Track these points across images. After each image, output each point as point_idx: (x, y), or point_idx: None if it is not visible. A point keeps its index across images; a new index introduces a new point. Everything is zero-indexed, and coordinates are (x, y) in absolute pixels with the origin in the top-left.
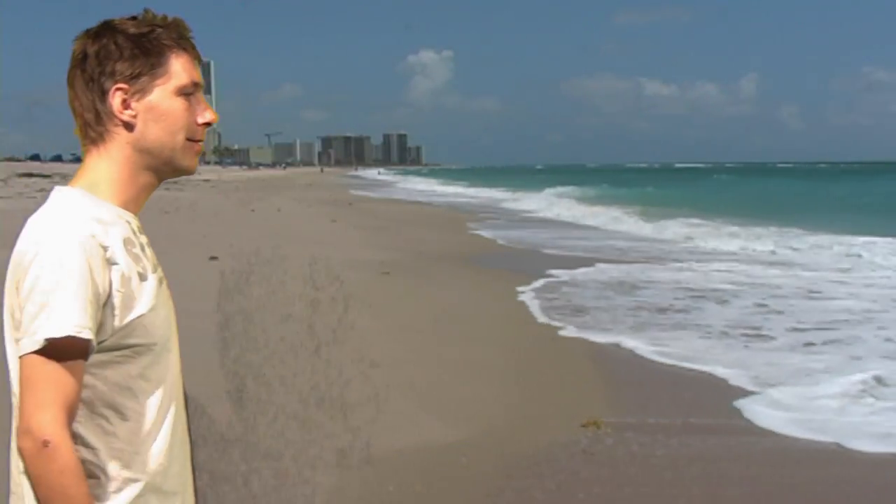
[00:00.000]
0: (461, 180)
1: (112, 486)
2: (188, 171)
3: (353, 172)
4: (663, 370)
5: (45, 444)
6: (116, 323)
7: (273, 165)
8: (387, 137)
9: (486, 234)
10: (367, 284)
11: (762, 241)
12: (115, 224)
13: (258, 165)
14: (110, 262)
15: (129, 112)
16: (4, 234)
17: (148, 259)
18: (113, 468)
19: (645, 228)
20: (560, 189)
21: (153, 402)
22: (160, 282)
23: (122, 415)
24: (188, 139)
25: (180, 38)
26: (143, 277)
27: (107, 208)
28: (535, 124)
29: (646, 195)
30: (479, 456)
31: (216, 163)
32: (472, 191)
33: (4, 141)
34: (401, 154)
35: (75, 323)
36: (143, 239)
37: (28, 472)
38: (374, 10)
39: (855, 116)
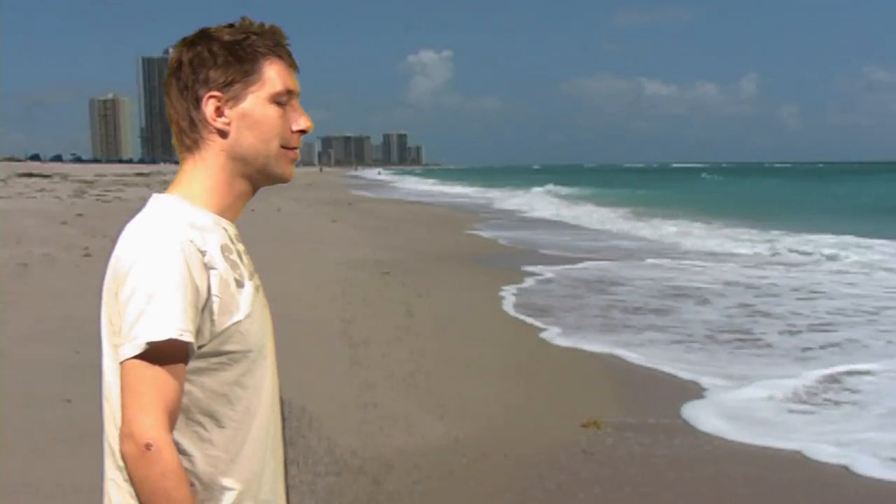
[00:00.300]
0: (461, 180)
1: (208, 495)
2: (283, 179)
3: (352, 172)
4: (664, 369)
5: (148, 447)
6: (214, 328)
7: None
8: (387, 137)
9: (485, 234)
10: (366, 284)
11: (743, 242)
12: (211, 230)
13: None
14: (208, 267)
15: (222, 119)
16: (5, 234)
17: (245, 266)
18: (209, 476)
19: (625, 226)
20: (550, 188)
21: (249, 410)
22: (257, 289)
23: (218, 422)
24: (282, 146)
25: (275, 46)
26: (239, 284)
27: (203, 215)
28: (536, 124)
29: (635, 196)
30: (479, 456)
31: None
32: (465, 190)
33: (4, 141)
34: (401, 154)
35: (176, 326)
36: (240, 247)
37: (130, 476)
38: (374, 10)
39: (855, 116)
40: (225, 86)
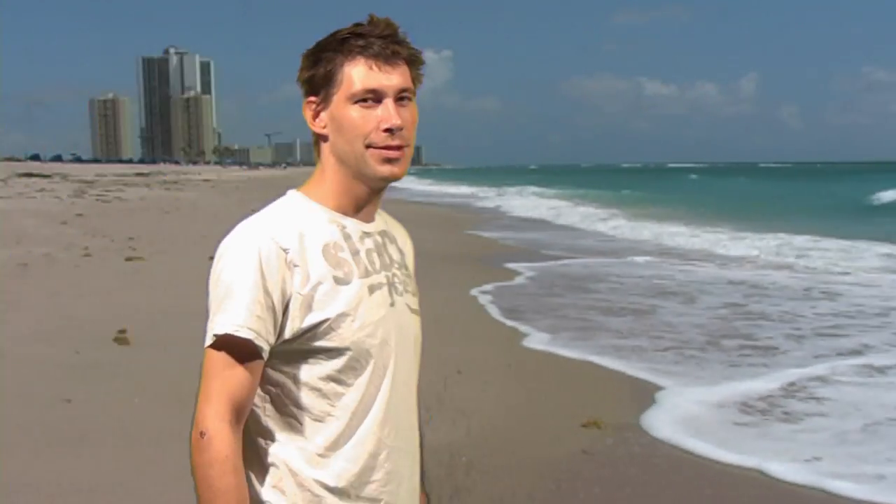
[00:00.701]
0: (457, 180)
1: (294, 483)
2: (380, 178)
3: None
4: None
5: (202, 434)
6: (298, 324)
7: (273, 165)
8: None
9: (485, 234)
10: None
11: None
12: (319, 227)
13: (258, 165)
14: (291, 265)
15: (319, 123)
16: (5, 234)
17: (360, 265)
18: (298, 465)
19: (593, 225)
20: (533, 189)
21: (346, 407)
22: (371, 289)
23: (311, 414)
24: (367, 146)
25: (365, 44)
26: (341, 281)
27: (317, 212)
28: (535, 124)
29: (620, 196)
30: (480, 456)
31: (216, 163)
32: (453, 189)
33: (4, 141)
34: None
35: (236, 322)
36: (367, 244)
37: (190, 459)
38: (374, 10)
39: (855, 116)
40: (315, 90)
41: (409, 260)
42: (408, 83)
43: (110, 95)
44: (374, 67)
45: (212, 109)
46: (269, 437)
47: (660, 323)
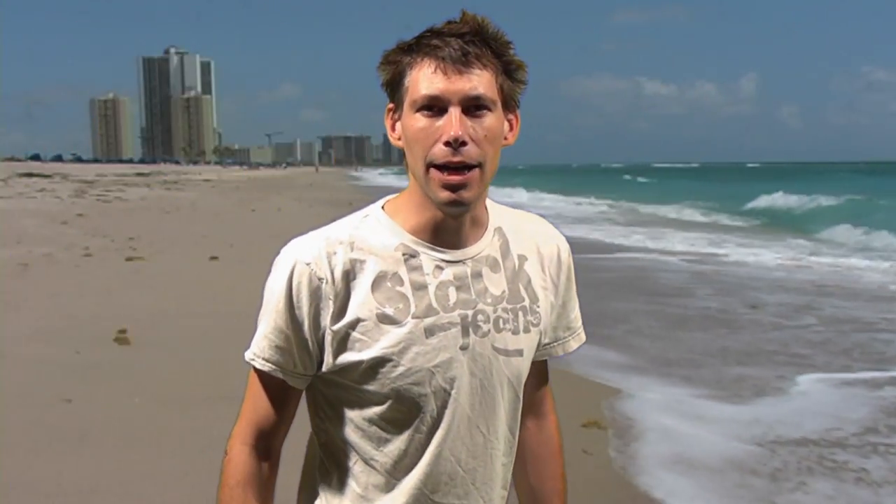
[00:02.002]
0: None
1: None
2: (442, 204)
3: (353, 173)
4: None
5: (226, 453)
6: (332, 360)
7: (273, 165)
8: (387, 137)
9: None
10: None
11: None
12: (381, 253)
13: (258, 165)
14: (325, 297)
15: (395, 134)
16: (5, 234)
17: (421, 301)
18: (339, 501)
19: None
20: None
21: (391, 454)
22: (430, 331)
23: (357, 454)
24: (430, 165)
25: (438, 45)
26: (387, 320)
27: (387, 234)
28: (535, 124)
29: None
30: None
31: (216, 162)
32: None
33: (4, 141)
34: (401, 154)
35: (254, 350)
36: (443, 276)
37: None
38: (375, 10)
39: (854, 116)
40: (391, 96)
41: (539, 280)
42: (484, 90)
43: (110, 95)
44: (440, 70)
45: (212, 109)
46: (323, 465)
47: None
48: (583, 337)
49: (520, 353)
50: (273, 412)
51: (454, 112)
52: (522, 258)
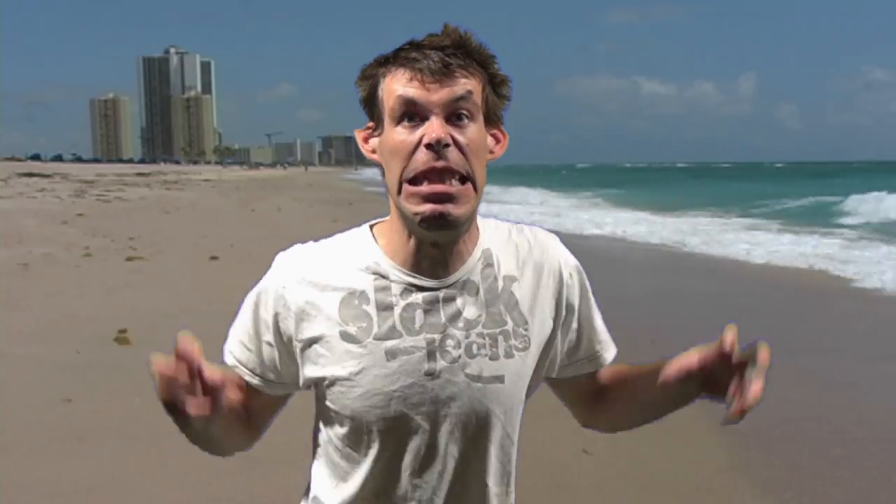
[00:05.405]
0: None
1: None
2: (418, 221)
3: (353, 173)
4: None
5: None
6: (305, 372)
7: (273, 165)
8: None
9: None
10: None
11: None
12: (351, 271)
13: (258, 165)
14: (286, 307)
15: (367, 147)
16: (5, 234)
17: (384, 323)
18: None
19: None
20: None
21: (358, 477)
22: (392, 354)
23: (339, 471)
24: (406, 180)
25: (417, 58)
26: (349, 338)
27: (363, 253)
28: (535, 124)
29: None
30: None
31: (217, 162)
32: None
33: (4, 141)
34: None
35: (227, 345)
36: (411, 298)
37: None
38: (375, 9)
39: (854, 116)
40: (369, 114)
41: (530, 301)
42: (468, 94)
43: (111, 95)
44: (417, 80)
45: (212, 109)
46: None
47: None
48: (612, 348)
49: (499, 379)
50: (236, 404)
51: (435, 119)
52: (510, 279)
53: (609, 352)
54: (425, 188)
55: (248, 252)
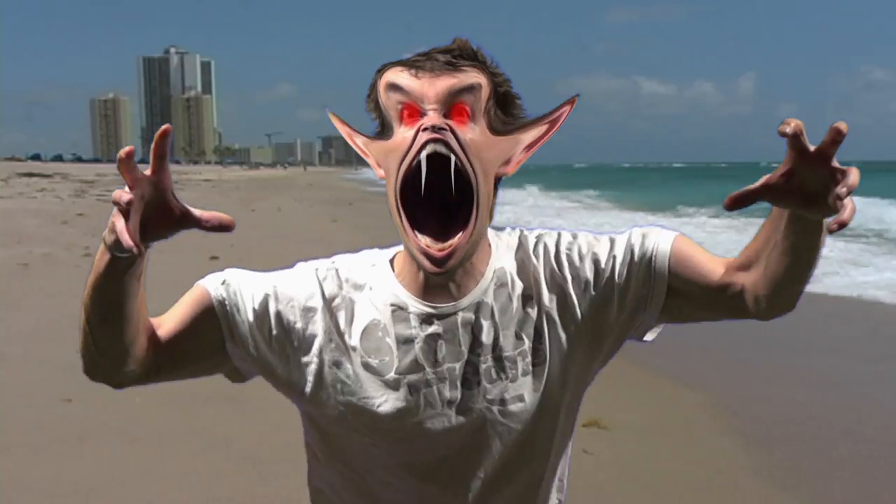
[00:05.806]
0: None
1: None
2: (416, 255)
3: (353, 173)
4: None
5: None
6: (309, 389)
7: (273, 165)
8: None
9: None
10: None
11: None
12: (374, 302)
13: (258, 165)
14: (327, 311)
15: (371, 161)
16: (5, 234)
17: (405, 356)
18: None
19: None
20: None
21: (330, 477)
22: (413, 389)
23: (319, 460)
24: (401, 188)
25: (415, 59)
26: (371, 370)
27: (385, 283)
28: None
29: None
30: None
31: (217, 162)
32: None
33: (4, 141)
34: None
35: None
36: (427, 331)
37: None
38: (375, 9)
39: (853, 115)
40: (382, 130)
41: (548, 306)
42: (470, 85)
43: (111, 95)
44: (412, 74)
45: (212, 109)
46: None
47: None
48: (654, 233)
49: (520, 398)
50: (183, 328)
51: (433, 113)
52: (525, 298)
53: (655, 236)
54: (426, 248)
55: (248, 252)
